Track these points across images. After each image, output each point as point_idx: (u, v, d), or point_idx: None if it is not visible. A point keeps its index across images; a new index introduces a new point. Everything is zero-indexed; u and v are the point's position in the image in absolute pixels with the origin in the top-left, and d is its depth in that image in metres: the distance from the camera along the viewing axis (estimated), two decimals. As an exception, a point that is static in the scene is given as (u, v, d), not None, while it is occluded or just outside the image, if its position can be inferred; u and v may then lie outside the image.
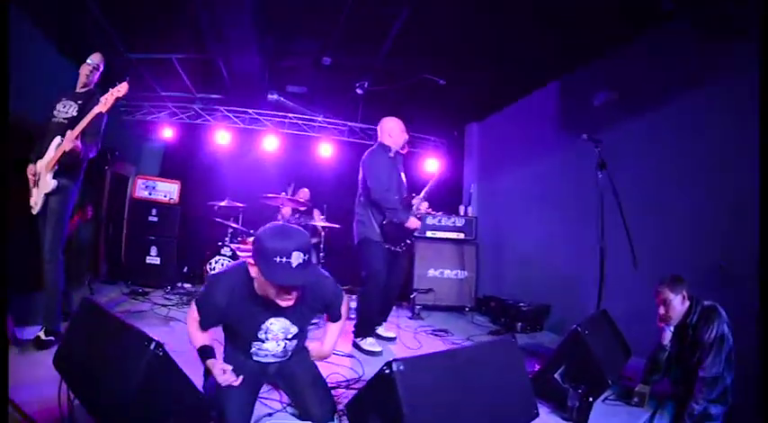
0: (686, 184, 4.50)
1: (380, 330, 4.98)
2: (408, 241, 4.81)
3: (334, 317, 3.08)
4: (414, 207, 4.80)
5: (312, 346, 3.03)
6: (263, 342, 2.77)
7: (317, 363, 3.08)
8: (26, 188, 3.94)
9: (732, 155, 4.05)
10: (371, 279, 4.62)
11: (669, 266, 3.70)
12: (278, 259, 2.29)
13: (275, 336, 2.76)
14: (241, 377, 2.62)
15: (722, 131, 4.17)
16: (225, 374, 2.57)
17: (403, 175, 4.98)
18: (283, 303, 2.45)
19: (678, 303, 3.33)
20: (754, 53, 3.66)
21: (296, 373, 2.92)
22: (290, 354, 2.92)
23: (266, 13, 5.70)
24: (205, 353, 2.66)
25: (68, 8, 5.53)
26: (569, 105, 6.51)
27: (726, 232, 4.02)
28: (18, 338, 3.70)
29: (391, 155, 4.84)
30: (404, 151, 4.98)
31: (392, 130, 4.86)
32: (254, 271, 2.48)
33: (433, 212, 5.15)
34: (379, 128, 4.98)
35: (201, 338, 2.70)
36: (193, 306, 2.72)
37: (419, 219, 4.82)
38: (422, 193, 4.90)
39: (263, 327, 2.70)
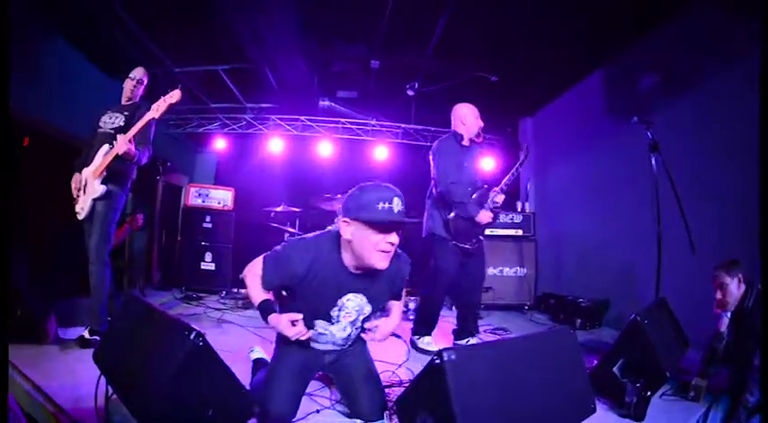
0: (743, 163, 4.18)
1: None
2: (481, 238, 4.51)
3: (399, 295, 2.97)
4: (488, 199, 4.43)
5: (378, 322, 2.80)
6: (332, 323, 2.65)
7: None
8: (70, 195, 4.00)
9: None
10: (434, 276, 4.40)
11: (728, 251, 3.51)
12: (381, 206, 2.33)
13: (348, 314, 2.63)
14: (311, 332, 2.57)
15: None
16: (295, 327, 2.44)
17: (478, 166, 4.73)
18: (381, 261, 2.41)
19: (735, 288, 3.22)
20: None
21: (350, 366, 2.80)
22: (349, 343, 2.81)
23: (309, 20, 5.70)
24: (267, 308, 2.52)
25: (108, 27, 5.64)
26: (616, 91, 6.29)
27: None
28: (61, 338, 3.77)
29: (464, 143, 4.53)
30: (479, 140, 4.63)
31: (465, 117, 4.52)
32: (348, 231, 2.41)
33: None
34: (452, 115, 4.64)
35: (262, 293, 2.57)
36: (259, 262, 2.60)
37: (494, 212, 4.44)
38: (501, 185, 4.48)
39: (339, 303, 2.59)
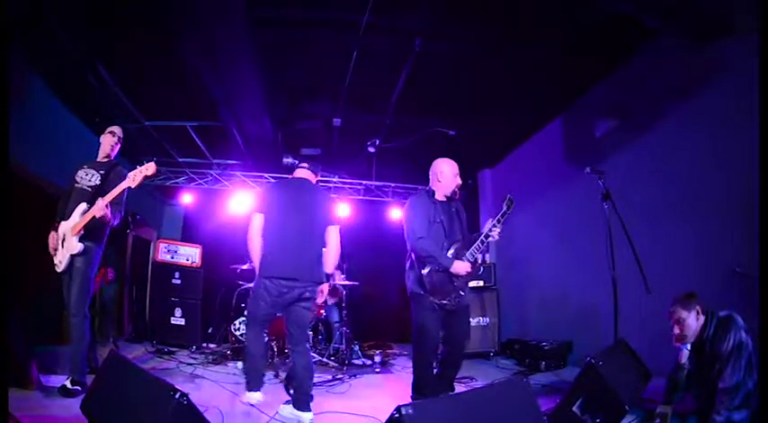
0: (692, 197, 4.59)
1: None
2: (462, 293, 4.07)
3: None
4: (482, 234, 4.03)
5: None
6: None
7: None
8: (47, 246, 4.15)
9: (729, 158, 4.18)
10: (416, 336, 4.11)
11: (685, 284, 3.65)
12: None
13: None
14: None
15: (722, 137, 4.28)
16: None
17: (457, 222, 4.29)
18: None
19: (693, 320, 3.27)
20: (739, 52, 3.86)
21: None
22: None
23: (276, 80, 6.01)
24: None
25: (87, 82, 5.86)
26: (573, 138, 6.66)
27: (735, 239, 4.07)
28: (43, 384, 3.91)
29: (439, 198, 4.26)
30: (456, 198, 4.33)
31: (442, 173, 4.27)
32: None
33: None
34: (430, 171, 4.39)
35: None
36: None
37: (475, 263, 4.09)
38: (496, 218, 4.01)
39: None
